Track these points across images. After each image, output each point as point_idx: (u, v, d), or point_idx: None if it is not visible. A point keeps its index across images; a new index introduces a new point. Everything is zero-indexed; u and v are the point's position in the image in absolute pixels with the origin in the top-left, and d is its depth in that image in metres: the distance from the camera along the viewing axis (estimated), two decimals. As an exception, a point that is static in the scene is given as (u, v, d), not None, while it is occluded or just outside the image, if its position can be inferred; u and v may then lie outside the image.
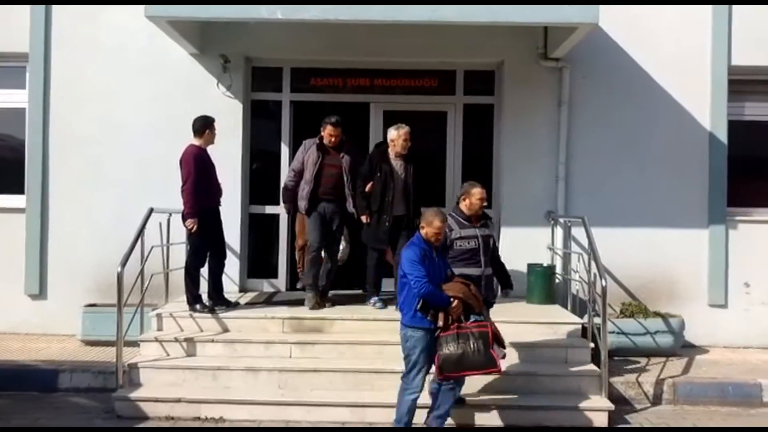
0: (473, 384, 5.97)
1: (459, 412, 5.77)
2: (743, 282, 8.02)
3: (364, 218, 7.07)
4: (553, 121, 8.03)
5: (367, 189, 7.03)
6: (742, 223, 8.07)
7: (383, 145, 7.20)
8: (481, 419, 5.82)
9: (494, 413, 5.84)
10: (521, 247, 7.91)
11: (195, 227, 6.69)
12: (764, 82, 8.35)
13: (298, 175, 7.14)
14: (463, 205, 5.85)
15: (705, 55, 8.08)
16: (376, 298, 7.19)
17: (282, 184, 7.48)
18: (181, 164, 6.74)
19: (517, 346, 6.46)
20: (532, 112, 8.04)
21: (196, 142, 6.87)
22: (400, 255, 5.64)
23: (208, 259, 6.99)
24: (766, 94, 8.37)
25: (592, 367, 6.31)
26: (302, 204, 7.13)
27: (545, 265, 7.73)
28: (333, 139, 7.09)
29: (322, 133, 7.11)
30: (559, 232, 7.90)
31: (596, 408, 5.90)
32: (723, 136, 8.05)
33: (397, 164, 7.06)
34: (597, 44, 7.85)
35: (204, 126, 6.89)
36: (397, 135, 7.02)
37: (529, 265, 7.67)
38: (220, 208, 7.10)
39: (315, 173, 7.03)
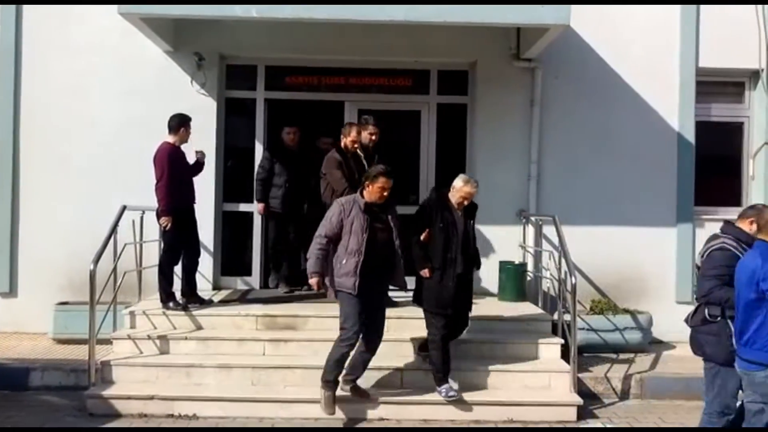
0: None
1: (427, 408, 5.86)
2: (709, 279, 8.17)
3: (425, 272, 5.91)
4: (525, 121, 8.13)
5: (422, 237, 5.90)
6: (708, 221, 8.22)
7: (442, 190, 6.21)
8: (450, 414, 5.90)
9: (464, 408, 5.92)
10: (493, 245, 8.02)
11: (169, 225, 6.69)
12: (731, 83, 8.55)
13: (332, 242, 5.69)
14: None
15: (673, 57, 8.23)
16: (448, 386, 5.90)
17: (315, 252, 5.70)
18: (155, 162, 6.73)
19: (488, 342, 6.56)
20: (505, 111, 8.14)
21: (171, 139, 6.85)
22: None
23: (182, 257, 6.99)
24: (733, 95, 8.57)
25: (561, 363, 6.42)
26: (349, 281, 5.54)
27: (517, 262, 7.83)
28: (385, 194, 5.73)
29: (370, 188, 5.65)
30: (530, 230, 8.01)
31: (565, 403, 6.01)
32: (691, 136, 8.21)
33: (457, 215, 6.05)
34: (569, 45, 7.97)
35: (180, 124, 6.87)
36: (468, 188, 6.03)
37: (501, 263, 7.77)
38: (195, 205, 7.10)
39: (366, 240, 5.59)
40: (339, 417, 5.83)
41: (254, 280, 8.36)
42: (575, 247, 7.06)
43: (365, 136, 7.29)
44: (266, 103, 8.39)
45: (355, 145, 7.18)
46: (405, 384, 6.18)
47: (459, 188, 6.04)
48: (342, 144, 7.21)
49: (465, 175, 6.21)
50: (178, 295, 6.97)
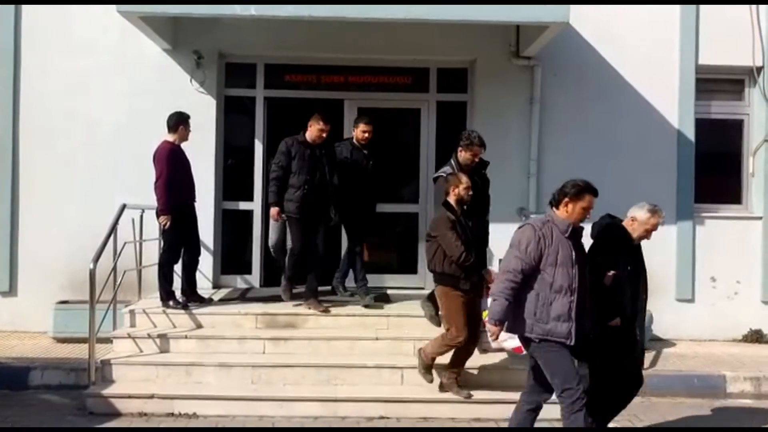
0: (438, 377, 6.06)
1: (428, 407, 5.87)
2: (710, 276, 8.19)
3: (617, 322, 4.88)
4: (525, 119, 8.13)
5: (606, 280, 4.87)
6: (708, 219, 8.24)
7: (615, 219, 5.41)
8: (451, 412, 5.89)
9: (464, 406, 5.91)
10: (493, 243, 7.97)
11: (168, 223, 6.69)
12: (730, 81, 8.54)
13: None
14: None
15: (673, 54, 8.23)
16: None
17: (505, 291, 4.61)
18: (155, 160, 6.72)
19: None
20: (504, 109, 8.14)
21: (170, 138, 6.85)
22: None
23: (182, 256, 6.99)
24: (732, 92, 8.56)
25: (561, 360, 6.40)
26: (563, 328, 4.42)
27: (517, 260, 7.81)
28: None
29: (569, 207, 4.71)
30: (530, 228, 7.98)
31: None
32: (690, 133, 8.21)
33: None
34: (568, 43, 7.97)
35: (178, 122, 6.87)
36: (655, 219, 5.15)
37: (501, 261, 7.74)
38: (195, 204, 7.10)
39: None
40: (339, 415, 5.84)
41: (254, 278, 8.36)
42: (575, 244, 7.04)
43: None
44: (266, 101, 8.38)
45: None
46: (405, 382, 6.17)
47: (645, 220, 5.07)
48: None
49: (648, 204, 5.17)
50: (178, 293, 6.96)
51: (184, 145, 6.97)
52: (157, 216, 6.77)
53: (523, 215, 8.05)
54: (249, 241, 8.36)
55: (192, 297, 7.01)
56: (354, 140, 7.32)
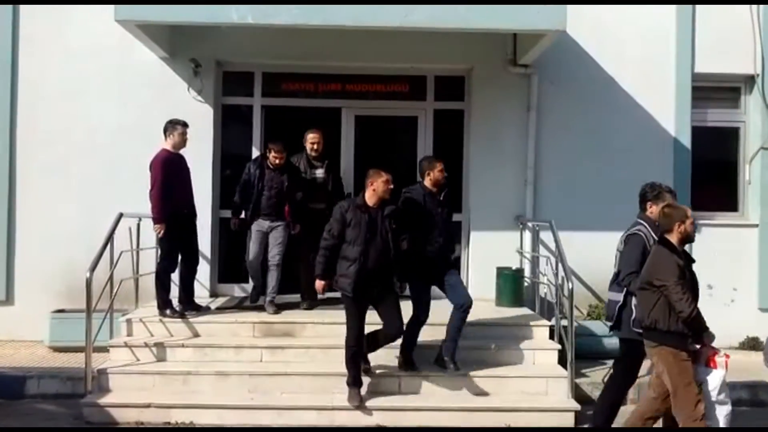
0: (440, 386, 6.06)
1: (425, 415, 5.86)
2: (706, 284, 8.17)
3: None
4: (522, 126, 8.15)
5: None
6: (705, 226, 8.24)
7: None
8: (448, 421, 5.88)
9: (462, 415, 5.91)
10: (490, 250, 8.02)
11: (162, 231, 6.68)
12: (726, 89, 8.57)
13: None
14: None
15: (669, 62, 8.26)
16: None
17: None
18: (150, 168, 6.72)
19: (485, 348, 6.55)
20: (501, 117, 8.15)
21: (166, 145, 6.85)
22: None
23: (179, 265, 6.98)
24: (728, 100, 8.59)
25: (559, 368, 6.42)
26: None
27: (514, 268, 7.84)
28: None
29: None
30: (527, 235, 8.01)
31: (563, 408, 6.01)
32: (687, 141, 8.23)
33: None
34: (565, 51, 7.99)
35: (166, 128, 6.90)
36: None
37: (498, 269, 7.77)
38: (195, 213, 7.10)
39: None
40: (336, 424, 5.82)
41: (251, 287, 8.32)
42: (572, 252, 7.05)
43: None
44: (263, 109, 8.39)
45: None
46: (403, 390, 6.17)
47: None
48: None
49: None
50: (175, 302, 6.95)
51: (181, 153, 6.96)
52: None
53: (520, 223, 8.07)
54: (247, 249, 8.32)
55: (188, 306, 7.00)
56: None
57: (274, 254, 7.26)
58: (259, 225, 7.32)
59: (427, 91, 8.45)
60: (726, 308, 8.18)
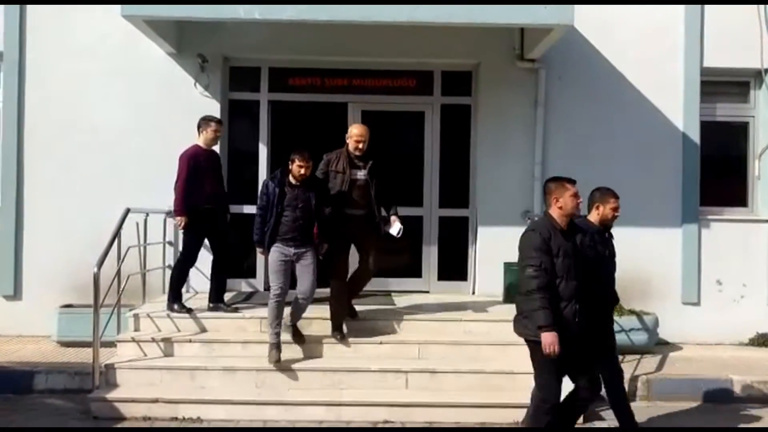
0: (448, 383, 6.06)
1: (433, 411, 5.85)
2: (715, 280, 8.15)
3: None
4: (529, 122, 8.11)
5: None
6: (714, 221, 8.20)
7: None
8: (456, 417, 5.86)
9: (469, 411, 5.89)
10: (498, 246, 7.96)
11: (183, 223, 6.69)
12: (735, 83, 8.51)
13: None
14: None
15: (678, 57, 8.20)
16: None
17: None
18: (178, 161, 6.81)
19: (493, 345, 6.53)
20: (509, 112, 8.12)
21: (198, 141, 6.89)
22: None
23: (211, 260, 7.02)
24: (737, 95, 8.53)
25: (567, 364, 6.37)
26: None
27: (522, 264, 7.79)
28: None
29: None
30: (535, 231, 7.96)
31: (571, 404, 5.96)
32: (696, 136, 8.18)
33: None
34: (572, 46, 7.95)
35: (199, 125, 6.92)
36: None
37: (506, 264, 7.72)
38: (222, 209, 7.08)
39: None
40: (344, 419, 5.82)
41: (259, 282, 8.34)
42: (580, 247, 7.01)
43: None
44: (270, 104, 8.38)
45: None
46: (410, 386, 6.15)
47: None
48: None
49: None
50: (186, 298, 6.95)
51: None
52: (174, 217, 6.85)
53: (528, 218, 8.02)
54: (253, 245, 8.32)
55: (215, 304, 6.95)
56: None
57: (306, 288, 6.32)
58: (282, 252, 6.30)
59: (434, 86, 8.42)
60: (735, 304, 8.13)
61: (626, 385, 6.49)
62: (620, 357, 7.11)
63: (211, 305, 6.94)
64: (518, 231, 7.89)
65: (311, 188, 6.35)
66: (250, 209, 8.25)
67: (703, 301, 8.12)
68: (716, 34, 8.16)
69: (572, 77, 8.14)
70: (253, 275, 8.36)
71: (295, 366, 6.25)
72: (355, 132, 6.55)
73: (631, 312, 7.56)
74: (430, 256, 8.36)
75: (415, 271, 8.43)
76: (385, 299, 7.74)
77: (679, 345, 7.92)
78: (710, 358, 7.44)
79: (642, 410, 6.26)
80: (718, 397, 6.56)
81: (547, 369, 4.70)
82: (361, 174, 6.53)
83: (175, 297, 6.84)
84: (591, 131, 8.13)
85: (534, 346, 4.69)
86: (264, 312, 6.83)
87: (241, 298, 7.74)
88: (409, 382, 6.15)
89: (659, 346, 7.68)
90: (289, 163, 6.32)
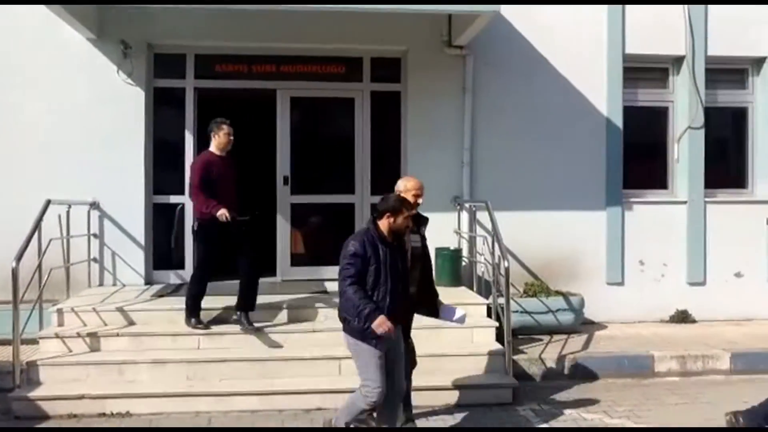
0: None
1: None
2: (638, 260, 8.43)
3: None
4: (458, 108, 8.19)
5: None
6: (636, 204, 8.47)
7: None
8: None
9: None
10: (429, 231, 7.97)
11: (226, 215, 6.22)
12: (656, 69, 8.77)
13: None
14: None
15: (601, 43, 8.40)
16: None
17: None
18: (191, 170, 6.56)
19: (425, 328, 6.55)
20: (438, 98, 8.17)
21: (211, 146, 6.56)
22: None
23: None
24: (658, 80, 8.79)
25: (496, 345, 6.51)
26: None
27: (452, 248, 7.91)
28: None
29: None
30: (465, 216, 8.09)
31: (501, 385, 6.10)
32: (619, 120, 8.41)
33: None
34: (499, 32, 8.04)
35: (211, 129, 6.58)
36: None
37: (437, 249, 7.80)
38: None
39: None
40: (277, 408, 5.79)
41: (188, 273, 8.14)
42: (509, 231, 7.16)
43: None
44: (196, 91, 8.20)
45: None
46: (343, 372, 6.16)
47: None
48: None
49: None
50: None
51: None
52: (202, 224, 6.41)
53: (457, 204, 8.13)
54: (181, 235, 8.18)
55: (241, 317, 6.48)
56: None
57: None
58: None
59: (364, 73, 8.40)
60: (657, 283, 8.43)
61: (553, 364, 6.74)
62: (548, 337, 7.41)
63: (234, 317, 6.56)
64: (449, 216, 8.16)
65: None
66: (176, 199, 8.13)
67: (626, 281, 8.39)
68: (638, 22, 8.38)
69: (500, 64, 8.25)
70: (182, 266, 8.19)
71: (227, 356, 6.19)
72: (411, 184, 5.40)
73: (558, 293, 7.77)
74: (363, 242, 8.35)
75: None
76: (318, 287, 7.72)
77: (604, 324, 8.17)
78: (633, 335, 7.70)
79: (569, 388, 6.46)
80: (640, 372, 6.81)
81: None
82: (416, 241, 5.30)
83: (190, 312, 6.47)
84: (518, 116, 8.26)
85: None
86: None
87: (170, 290, 7.59)
88: (343, 368, 6.15)
89: (585, 326, 7.91)
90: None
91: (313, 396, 5.88)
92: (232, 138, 6.56)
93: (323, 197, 8.36)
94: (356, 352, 4.77)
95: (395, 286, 4.74)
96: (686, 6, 8.42)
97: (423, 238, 5.42)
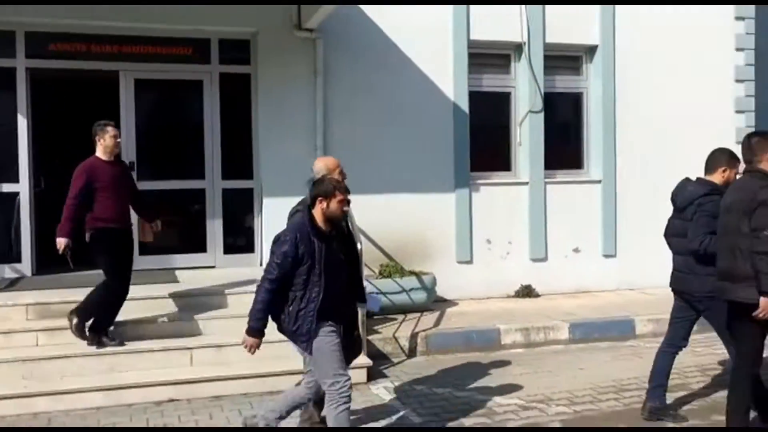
0: (236, 355, 6.02)
1: (221, 384, 5.79)
2: (485, 239, 8.81)
3: None
4: (310, 91, 8.15)
5: None
6: (483, 185, 8.83)
7: None
8: (248, 387, 5.85)
9: (260, 381, 5.89)
10: (282, 216, 7.90)
11: (63, 248, 5.75)
12: (500, 56, 9.14)
13: None
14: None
15: (447, 29, 8.63)
16: None
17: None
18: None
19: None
20: (289, 81, 8.09)
21: (98, 151, 5.98)
22: None
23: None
24: (502, 66, 9.17)
25: (351, 327, 6.58)
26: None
27: (306, 232, 7.88)
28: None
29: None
30: (319, 200, 8.08)
31: (355, 365, 6.10)
32: (465, 105, 8.71)
33: None
34: (350, 17, 8.09)
35: (95, 132, 5.97)
36: None
37: (291, 234, 7.77)
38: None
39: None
40: (125, 403, 5.56)
41: (25, 266, 7.65)
42: (363, 213, 7.22)
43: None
44: (28, 72, 7.63)
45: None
46: (195, 362, 6.02)
47: None
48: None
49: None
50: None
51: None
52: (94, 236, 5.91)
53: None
54: (17, 226, 7.62)
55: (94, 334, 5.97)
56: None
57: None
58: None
59: (212, 55, 8.16)
60: (503, 260, 8.86)
61: (407, 342, 6.93)
62: (402, 316, 7.60)
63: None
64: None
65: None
66: (10, 187, 7.58)
67: (475, 260, 8.74)
68: (482, 9, 8.67)
69: (351, 48, 8.28)
70: (19, 260, 7.65)
71: (69, 352, 5.85)
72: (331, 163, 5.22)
73: (411, 273, 7.98)
74: (215, 229, 8.16)
75: (200, 247, 8.20)
76: (169, 276, 7.48)
77: (455, 301, 8.49)
78: (481, 311, 8.05)
79: (422, 364, 6.67)
80: (488, 345, 7.14)
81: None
82: None
83: (100, 327, 5.93)
84: (370, 101, 8.35)
85: None
86: (30, 298, 6.35)
87: (5, 285, 7.07)
88: (194, 358, 6.02)
89: (437, 303, 8.18)
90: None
91: (165, 388, 5.71)
92: (119, 140, 6.10)
93: (172, 183, 8.08)
94: (301, 353, 4.53)
95: (331, 283, 4.30)
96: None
97: (347, 223, 5.19)
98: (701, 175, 5.09)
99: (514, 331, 7.30)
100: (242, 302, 6.63)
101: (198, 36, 8.08)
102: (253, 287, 6.75)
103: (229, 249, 8.24)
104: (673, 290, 5.18)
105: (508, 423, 5.19)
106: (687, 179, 5.15)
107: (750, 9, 9.63)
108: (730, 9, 9.55)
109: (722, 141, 9.43)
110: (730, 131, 9.48)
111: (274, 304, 4.38)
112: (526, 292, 8.79)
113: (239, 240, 8.31)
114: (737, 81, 9.60)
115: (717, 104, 9.49)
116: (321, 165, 5.10)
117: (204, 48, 8.15)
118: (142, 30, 7.83)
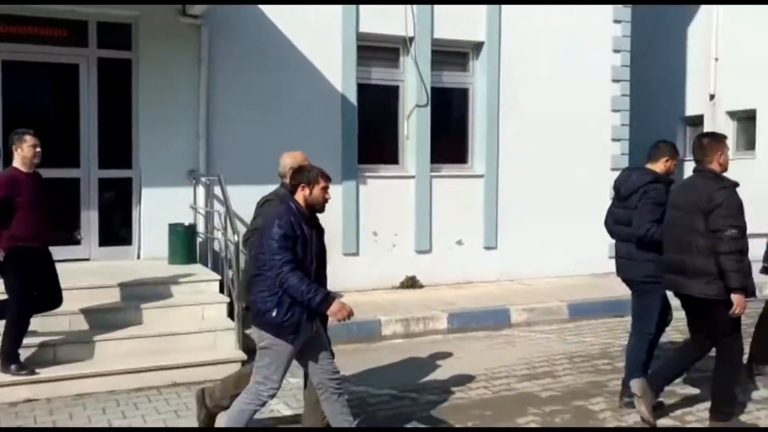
0: (106, 351, 5.83)
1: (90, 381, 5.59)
2: (372, 231, 8.88)
3: None
4: (194, 79, 7.99)
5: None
6: (370, 178, 8.90)
7: None
8: (115, 384, 5.65)
9: (132, 377, 5.72)
10: (163, 207, 7.81)
11: None
12: (389, 49, 9.21)
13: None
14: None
15: (336, 22, 8.63)
16: None
17: None
18: None
19: (156, 308, 6.41)
20: (172, 68, 7.90)
21: (15, 162, 5.46)
22: None
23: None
24: (391, 60, 9.25)
25: (227, 321, 6.50)
26: None
27: (187, 224, 7.73)
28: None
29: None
30: (201, 190, 7.94)
31: (230, 360, 6.09)
32: (353, 98, 8.74)
33: None
34: (239, 7, 8.00)
35: (12, 141, 5.48)
36: None
37: (171, 225, 7.60)
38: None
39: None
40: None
41: None
42: (247, 206, 7.05)
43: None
44: None
45: None
46: (59, 360, 5.79)
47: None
48: None
49: None
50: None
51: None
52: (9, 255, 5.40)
53: (193, 178, 7.95)
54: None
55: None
56: None
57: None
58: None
59: (89, 38, 7.85)
60: (389, 252, 8.97)
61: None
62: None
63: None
64: (184, 191, 7.95)
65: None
66: None
67: (361, 251, 8.81)
68: (371, 3, 8.70)
69: (238, 37, 8.15)
70: None
71: None
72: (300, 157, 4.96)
73: (295, 265, 7.92)
74: (90, 220, 7.86)
75: (74, 238, 7.88)
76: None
77: (341, 293, 8.46)
78: (367, 302, 8.11)
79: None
80: (369, 336, 7.21)
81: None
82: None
83: (13, 356, 5.44)
84: (256, 90, 8.25)
85: None
86: None
87: None
88: (58, 354, 5.78)
89: (322, 296, 8.16)
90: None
91: (21, 387, 5.42)
92: (39, 150, 5.57)
93: (44, 171, 7.66)
94: (266, 348, 4.12)
95: (317, 270, 4.23)
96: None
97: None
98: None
99: (394, 322, 7.41)
100: (119, 295, 6.49)
101: (74, 18, 7.75)
102: (128, 278, 6.70)
103: (105, 241, 7.95)
104: (620, 278, 5.31)
105: (378, 413, 5.26)
106: (630, 169, 5.43)
107: (627, 12, 10.09)
108: (608, 12, 9.97)
109: (600, 138, 9.99)
110: (606, 129, 9.94)
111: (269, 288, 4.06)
112: (411, 283, 8.93)
113: (116, 232, 8.03)
114: (614, 81, 10.06)
115: (595, 103, 9.92)
116: (289, 160, 4.94)
117: (81, 30, 7.84)
118: (12, 9, 7.44)
